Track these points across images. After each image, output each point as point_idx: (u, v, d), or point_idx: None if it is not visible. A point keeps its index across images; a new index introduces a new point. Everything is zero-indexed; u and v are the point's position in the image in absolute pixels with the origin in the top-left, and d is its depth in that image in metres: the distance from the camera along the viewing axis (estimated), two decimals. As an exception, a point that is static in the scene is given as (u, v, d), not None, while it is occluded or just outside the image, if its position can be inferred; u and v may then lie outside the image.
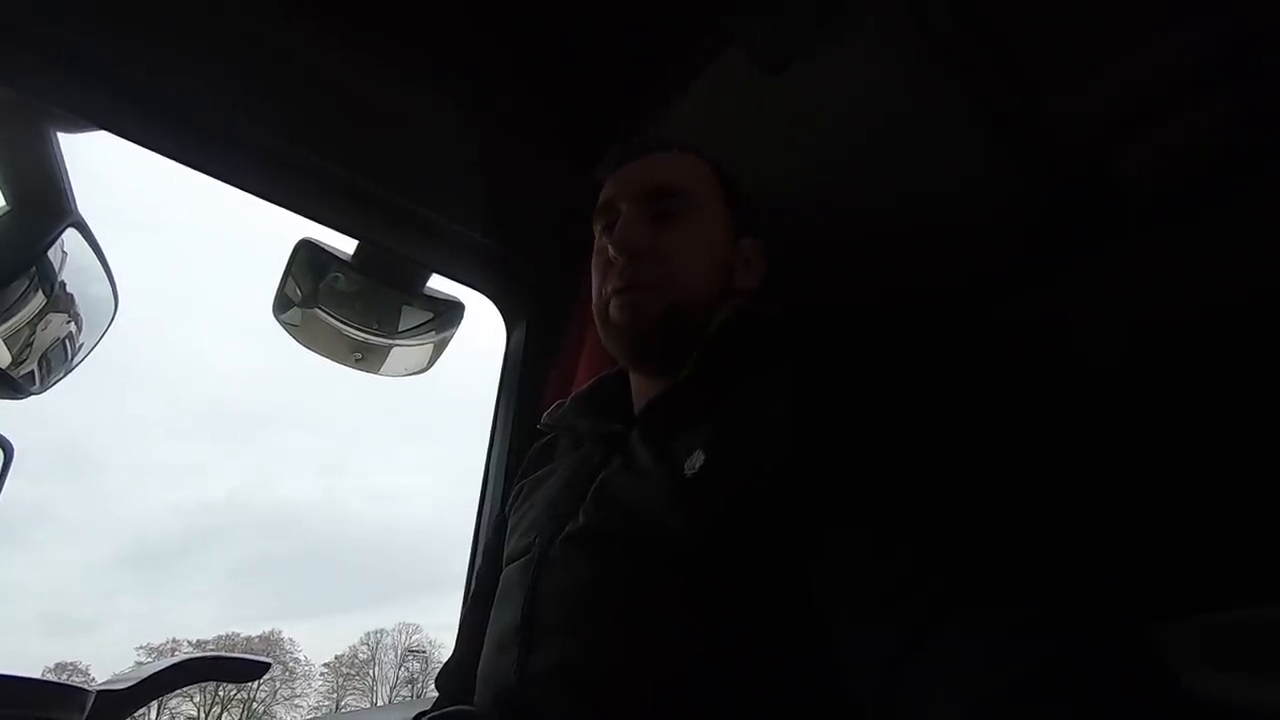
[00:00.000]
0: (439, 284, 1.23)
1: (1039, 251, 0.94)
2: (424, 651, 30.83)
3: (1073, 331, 0.91)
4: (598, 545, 0.60)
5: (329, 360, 1.20)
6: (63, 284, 0.94)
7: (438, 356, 1.27)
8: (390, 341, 1.20)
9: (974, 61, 0.82)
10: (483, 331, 1.37)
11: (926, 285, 0.99)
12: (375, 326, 1.18)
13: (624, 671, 0.53)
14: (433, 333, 1.23)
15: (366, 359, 1.22)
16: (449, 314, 1.22)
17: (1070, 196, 0.90)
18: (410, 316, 1.20)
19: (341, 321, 1.15)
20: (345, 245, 1.15)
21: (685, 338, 0.70)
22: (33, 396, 0.95)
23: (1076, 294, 0.91)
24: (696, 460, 0.58)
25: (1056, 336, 0.91)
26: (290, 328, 1.15)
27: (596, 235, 0.77)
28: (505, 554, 0.72)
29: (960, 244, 0.97)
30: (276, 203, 1.03)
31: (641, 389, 0.75)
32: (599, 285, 0.74)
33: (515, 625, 0.61)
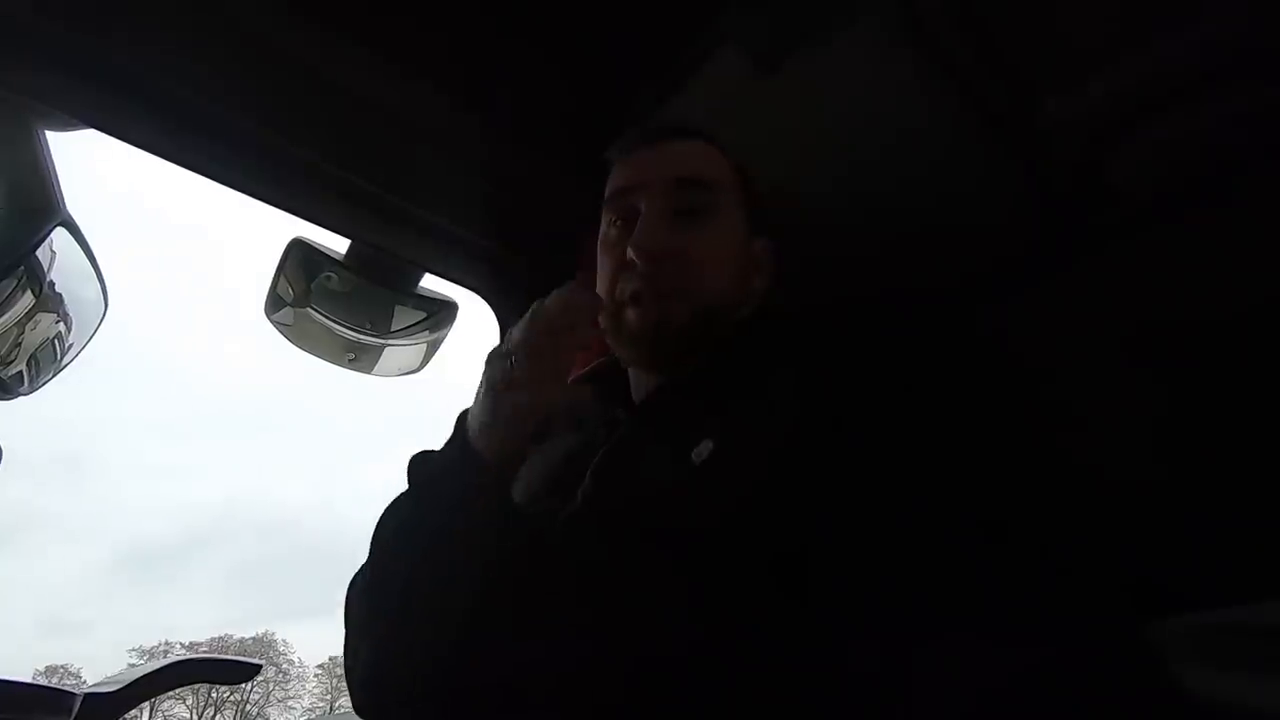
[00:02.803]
0: (434, 284, 1.23)
1: (1033, 254, 0.94)
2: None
3: (1068, 333, 0.91)
4: (596, 527, 0.59)
5: (322, 361, 1.20)
6: (51, 283, 0.93)
7: (431, 356, 1.26)
8: (383, 341, 1.20)
9: (968, 63, 0.82)
10: (484, 332, 1.36)
11: (919, 286, 0.99)
12: (368, 326, 1.17)
13: (615, 656, 0.52)
14: (426, 333, 1.22)
15: (359, 359, 1.21)
16: (442, 314, 1.22)
17: (1064, 199, 0.90)
18: (403, 316, 1.19)
19: (334, 321, 1.14)
20: (337, 244, 1.14)
21: (701, 343, 0.67)
22: (21, 397, 0.94)
23: (1071, 296, 0.91)
24: (705, 449, 0.57)
25: (1052, 338, 0.91)
26: (282, 328, 1.14)
27: (605, 224, 0.73)
28: None
29: (954, 246, 0.97)
30: (269, 202, 1.02)
31: (641, 380, 0.73)
32: (609, 283, 0.69)
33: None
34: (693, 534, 0.54)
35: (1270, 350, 0.77)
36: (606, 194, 0.73)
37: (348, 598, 0.63)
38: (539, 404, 0.55)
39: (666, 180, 0.69)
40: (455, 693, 0.55)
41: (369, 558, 0.62)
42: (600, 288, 0.71)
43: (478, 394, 0.58)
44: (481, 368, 0.59)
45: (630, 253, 0.66)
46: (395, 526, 0.61)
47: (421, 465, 0.63)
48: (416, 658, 0.56)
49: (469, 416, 0.59)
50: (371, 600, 0.60)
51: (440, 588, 0.55)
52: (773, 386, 0.60)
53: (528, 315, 0.59)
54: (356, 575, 0.63)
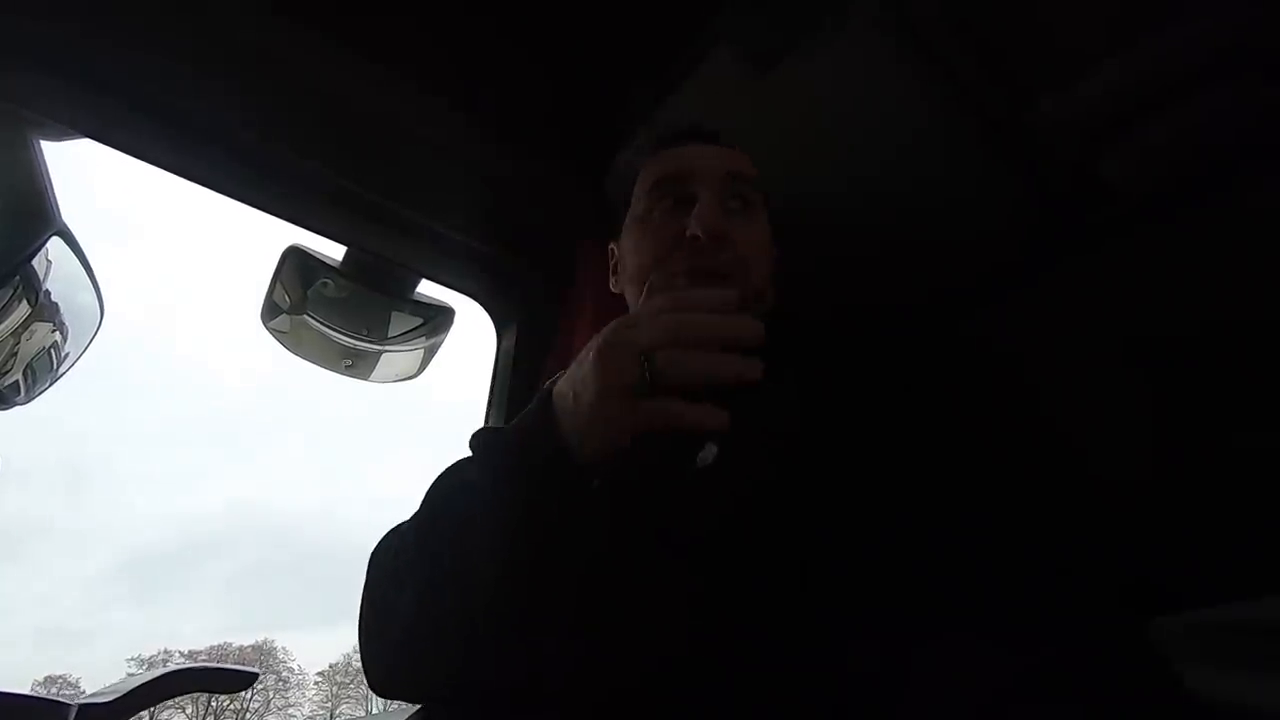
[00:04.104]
0: (432, 290, 1.22)
1: (1031, 254, 0.95)
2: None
3: (1066, 333, 0.91)
4: (605, 525, 0.59)
5: (319, 367, 1.19)
6: (47, 293, 0.93)
7: (429, 362, 1.26)
8: (380, 348, 1.19)
9: (962, 63, 0.82)
10: (483, 336, 1.36)
11: (918, 287, 0.99)
12: (365, 333, 1.17)
13: (619, 655, 0.52)
14: (423, 338, 1.22)
15: (356, 366, 1.21)
16: (439, 319, 1.22)
17: (1061, 199, 0.90)
18: (400, 322, 1.19)
19: (331, 328, 1.14)
20: (334, 251, 1.14)
21: None
22: (18, 407, 0.94)
23: (1069, 295, 0.91)
24: (709, 454, 0.58)
25: (1050, 338, 0.91)
26: (279, 335, 1.14)
27: (647, 205, 0.74)
28: None
29: (951, 246, 0.98)
30: (265, 209, 1.02)
31: None
32: (654, 258, 0.70)
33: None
34: (695, 537, 0.54)
35: (1267, 348, 0.77)
36: (655, 177, 0.75)
37: (378, 557, 0.60)
38: (688, 419, 0.46)
39: (720, 172, 0.72)
40: (471, 678, 0.53)
41: (419, 518, 0.59)
42: (639, 262, 0.73)
43: (582, 385, 0.49)
44: (591, 357, 0.49)
45: (693, 229, 0.67)
46: (461, 500, 0.56)
47: (494, 445, 0.55)
48: (450, 627, 0.52)
49: (562, 412, 0.51)
50: (420, 560, 0.55)
51: (485, 561, 0.50)
52: (776, 389, 0.61)
53: (666, 301, 0.49)
54: (389, 537, 0.60)
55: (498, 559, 0.50)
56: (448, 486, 0.59)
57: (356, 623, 0.59)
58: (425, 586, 0.53)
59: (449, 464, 0.60)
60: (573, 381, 0.50)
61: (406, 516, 0.61)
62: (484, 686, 0.53)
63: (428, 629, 0.53)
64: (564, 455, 0.49)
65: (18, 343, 0.91)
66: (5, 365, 0.91)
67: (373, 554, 0.61)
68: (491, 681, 0.52)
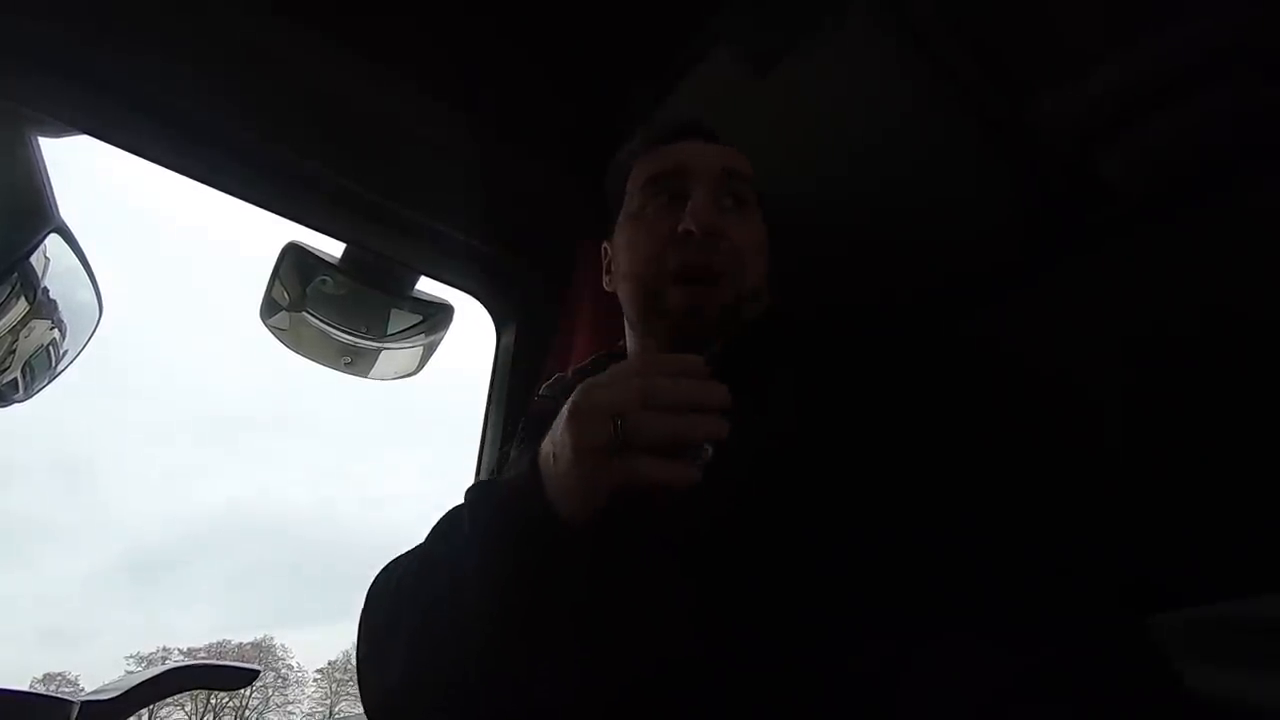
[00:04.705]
0: (430, 287, 1.22)
1: (1030, 253, 0.95)
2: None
3: (1065, 332, 0.91)
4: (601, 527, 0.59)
5: (318, 365, 1.19)
6: (45, 290, 0.93)
7: (427, 359, 1.26)
8: (379, 345, 1.19)
9: (962, 62, 0.82)
10: (482, 333, 1.36)
11: (917, 287, 0.99)
12: (364, 330, 1.17)
13: (618, 658, 0.52)
14: (422, 336, 1.22)
15: (355, 363, 1.21)
16: (438, 317, 1.22)
17: (1060, 198, 0.90)
18: (399, 320, 1.19)
19: (330, 325, 1.14)
20: (333, 248, 1.14)
21: (728, 329, 0.68)
22: (17, 404, 0.94)
23: (1068, 295, 0.91)
24: (705, 454, 0.58)
25: (1049, 337, 0.91)
26: (278, 332, 1.14)
27: (640, 202, 0.74)
28: None
29: (950, 246, 0.98)
30: (264, 207, 1.02)
31: None
32: (648, 255, 0.70)
33: None
34: (691, 538, 0.54)
35: (1267, 347, 0.77)
36: (649, 173, 0.74)
37: (376, 594, 0.60)
38: (660, 477, 0.46)
39: (716, 169, 0.72)
40: (466, 713, 0.54)
41: (419, 562, 0.59)
42: (634, 259, 0.72)
43: (559, 447, 0.50)
44: (563, 420, 0.50)
45: (687, 224, 0.67)
46: (457, 553, 0.56)
47: (486, 501, 0.57)
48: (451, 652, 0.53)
49: (544, 465, 0.51)
50: (416, 606, 0.56)
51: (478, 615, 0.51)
52: (772, 389, 0.61)
53: (635, 365, 0.51)
54: (388, 573, 0.61)
55: (490, 613, 0.51)
56: (445, 535, 0.59)
57: (354, 651, 0.60)
58: (421, 633, 0.54)
59: (448, 510, 0.61)
60: (552, 443, 0.51)
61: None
62: (479, 716, 0.54)
63: (424, 671, 0.54)
64: (551, 515, 0.50)
65: (16, 340, 0.91)
66: (4, 362, 0.91)
67: (370, 589, 0.61)
68: (487, 714, 0.53)
